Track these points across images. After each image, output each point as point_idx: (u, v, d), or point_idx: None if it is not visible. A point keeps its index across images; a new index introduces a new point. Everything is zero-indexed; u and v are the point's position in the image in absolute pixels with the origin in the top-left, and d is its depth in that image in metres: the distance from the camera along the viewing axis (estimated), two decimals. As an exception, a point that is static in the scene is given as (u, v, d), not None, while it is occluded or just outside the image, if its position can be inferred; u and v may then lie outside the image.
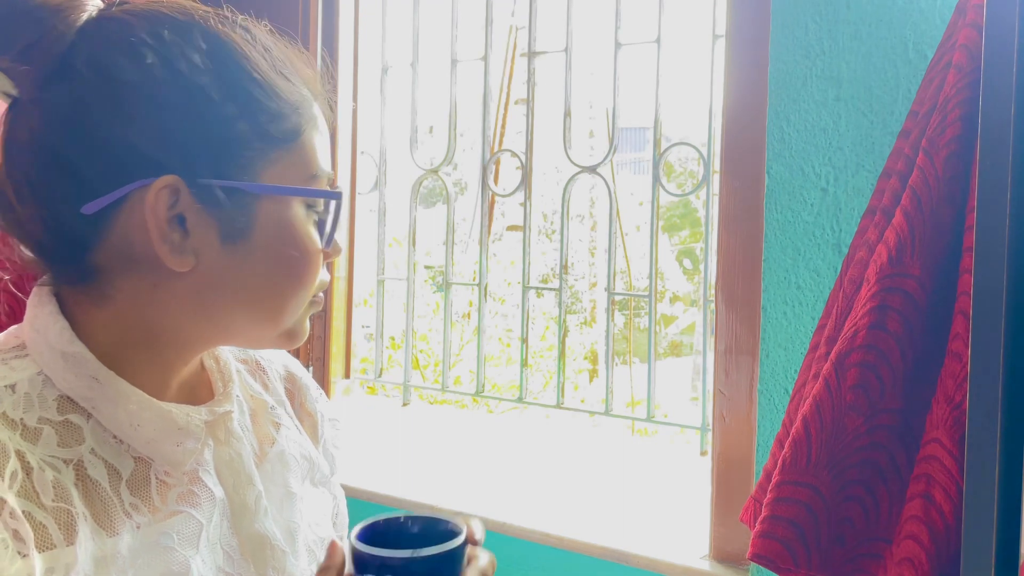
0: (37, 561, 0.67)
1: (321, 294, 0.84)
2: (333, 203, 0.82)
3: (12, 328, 0.78)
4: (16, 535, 0.67)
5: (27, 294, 0.80)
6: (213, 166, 0.73)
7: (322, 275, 0.82)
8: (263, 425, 0.89)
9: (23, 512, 0.68)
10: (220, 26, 0.76)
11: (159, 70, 0.72)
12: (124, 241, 0.73)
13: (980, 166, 0.87)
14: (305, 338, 0.83)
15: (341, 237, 0.85)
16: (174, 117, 0.72)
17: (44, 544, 0.69)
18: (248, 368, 0.93)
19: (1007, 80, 0.85)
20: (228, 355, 0.89)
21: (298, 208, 0.78)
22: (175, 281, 0.75)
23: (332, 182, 0.82)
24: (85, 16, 0.74)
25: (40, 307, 0.76)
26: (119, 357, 0.76)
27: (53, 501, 0.70)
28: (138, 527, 0.74)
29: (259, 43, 0.78)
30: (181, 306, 0.76)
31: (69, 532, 0.70)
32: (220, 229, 0.74)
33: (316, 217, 0.80)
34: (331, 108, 0.84)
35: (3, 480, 0.67)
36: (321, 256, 0.80)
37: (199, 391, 0.84)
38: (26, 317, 0.77)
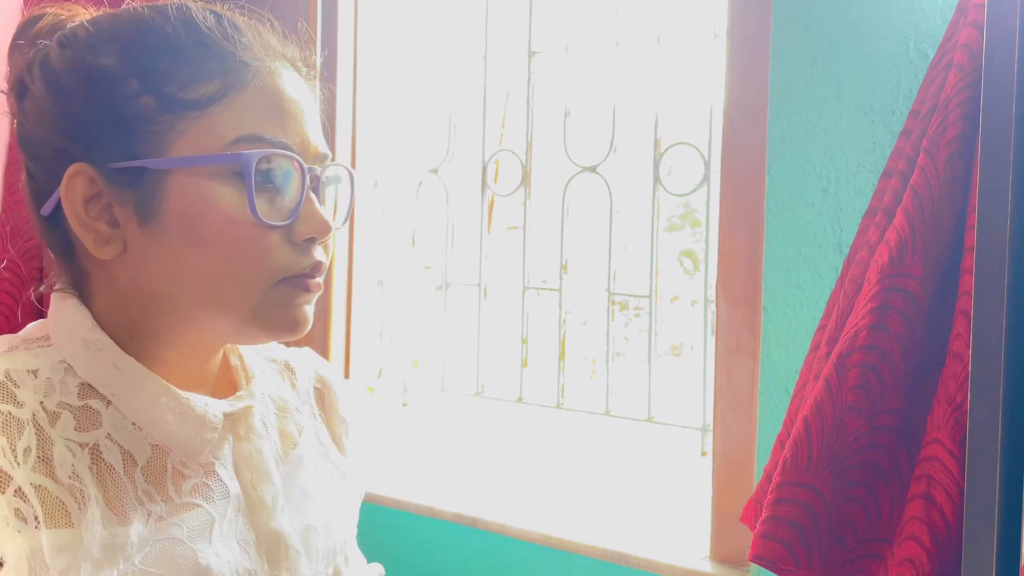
0: (45, 537, 0.68)
1: (315, 279, 0.76)
2: (281, 166, 0.72)
3: (37, 322, 0.79)
4: (17, 513, 0.67)
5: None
6: (119, 148, 0.71)
7: (313, 255, 0.74)
8: (287, 425, 0.88)
9: (37, 486, 0.68)
10: (137, 8, 0.74)
11: (65, 65, 0.73)
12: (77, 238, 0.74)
13: (981, 166, 0.87)
14: (299, 326, 0.76)
15: (317, 207, 0.74)
16: (76, 106, 0.72)
17: (56, 520, 0.69)
18: (276, 368, 0.92)
19: (1008, 79, 0.84)
20: (254, 354, 0.88)
21: (217, 177, 0.71)
22: (117, 271, 0.74)
23: (298, 147, 0.74)
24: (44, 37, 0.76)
25: (62, 300, 0.77)
26: (137, 350, 0.76)
27: (69, 479, 0.70)
28: (149, 515, 0.74)
29: (192, 16, 0.74)
30: (133, 296, 0.75)
31: (81, 512, 0.70)
32: (137, 213, 0.72)
33: (270, 186, 0.72)
34: (300, 71, 0.78)
35: (15, 456, 0.68)
36: (265, 231, 0.72)
37: (222, 387, 0.84)
38: (49, 312, 0.78)
